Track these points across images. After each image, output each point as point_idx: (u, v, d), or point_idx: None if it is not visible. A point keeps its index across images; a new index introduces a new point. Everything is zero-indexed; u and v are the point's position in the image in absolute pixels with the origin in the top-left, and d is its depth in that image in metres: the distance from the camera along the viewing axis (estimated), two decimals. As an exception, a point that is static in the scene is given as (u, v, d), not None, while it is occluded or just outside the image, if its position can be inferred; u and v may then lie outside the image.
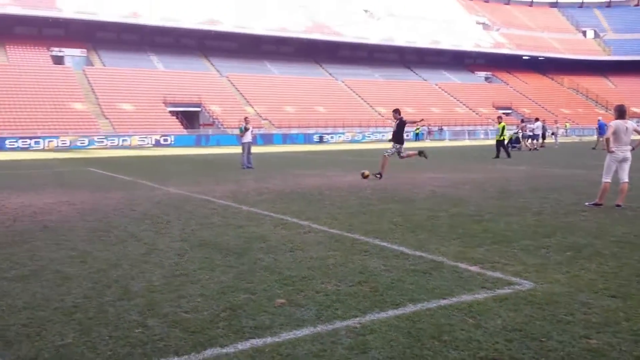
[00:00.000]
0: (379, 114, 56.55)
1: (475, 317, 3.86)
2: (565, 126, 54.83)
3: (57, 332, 3.66)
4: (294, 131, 49.69)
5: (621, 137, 8.57)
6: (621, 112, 8.74)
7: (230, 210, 8.95)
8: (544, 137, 31.89)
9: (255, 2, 63.94)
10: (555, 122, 40.36)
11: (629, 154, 8.64)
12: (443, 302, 4.19)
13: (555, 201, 9.54)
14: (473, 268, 5.14)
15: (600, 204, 8.68)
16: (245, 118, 18.90)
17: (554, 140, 35.10)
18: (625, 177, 8.67)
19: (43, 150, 37.46)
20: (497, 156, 22.36)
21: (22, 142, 38.40)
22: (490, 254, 5.70)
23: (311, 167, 19.10)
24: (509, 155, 22.57)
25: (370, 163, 17.88)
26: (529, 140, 31.04)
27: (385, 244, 6.20)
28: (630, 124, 8.71)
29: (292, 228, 7.26)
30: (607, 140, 8.69)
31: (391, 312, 3.98)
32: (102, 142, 41.00)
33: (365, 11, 70.74)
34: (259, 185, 12.75)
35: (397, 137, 13.97)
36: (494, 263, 5.32)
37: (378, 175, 13.62)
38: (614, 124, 8.68)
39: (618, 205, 8.56)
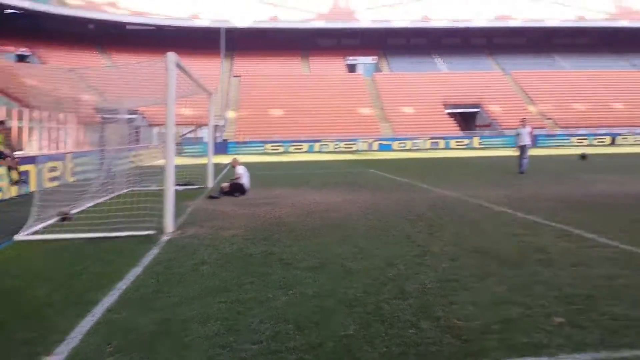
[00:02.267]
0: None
1: None
2: None
3: (340, 323, 4.06)
4: (582, 131, 45.25)
5: None
6: None
7: (505, 216, 8.65)
8: None
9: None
10: None
11: None
12: None
13: None
14: None
15: None
16: (523, 119, 17.92)
17: None
18: None
19: (331, 152, 41.56)
20: None
21: (315, 144, 43.19)
22: None
23: (600, 171, 17.15)
24: None
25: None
26: None
27: (694, 267, 5.25)
28: None
29: (575, 241, 6.66)
30: None
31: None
32: (382, 144, 43.55)
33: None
34: (538, 191, 12.00)
35: None
36: None
37: None
38: None
39: None
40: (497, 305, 4.34)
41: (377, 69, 58.57)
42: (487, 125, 48.21)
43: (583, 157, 13.31)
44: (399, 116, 48.38)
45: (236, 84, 53.10)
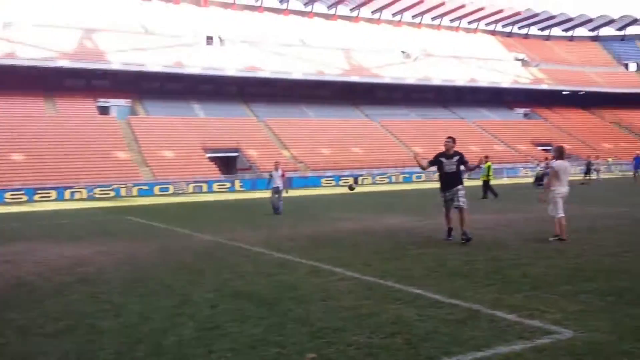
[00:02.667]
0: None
1: (512, 372, 3.71)
2: (608, 161, 53.38)
3: (88, 391, 3.67)
4: (329, 173, 49.88)
5: (562, 177, 9.66)
6: (561, 153, 10.08)
7: (262, 257, 8.95)
8: (588, 173, 32.93)
9: (295, 48, 65.93)
10: (597, 157, 39.87)
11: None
12: (479, 354, 4.05)
13: (594, 243, 9.25)
14: (510, 316, 4.97)
15: (565, 239, 9.40)
16: (276, 163, 18.98)
17: (595, 177, 34.93)
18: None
19: (85, 199, 38.51)
20: (485, 197, 21.97)
21: (65, 191, 39.54)
22: (528, 300, 5.52)
23: (346, 210, 19.02)
24: (495, 195, 22.11)
25: (402, 205, 17.59)
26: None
27: (419, 291, 6.07)
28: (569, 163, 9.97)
29: (324, 275, 7.19)
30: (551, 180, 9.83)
31: (424, 367, 3.87)
32: (143, 189, 41.90)
33: (403, 52, 71.66)
34: (292, 231, 12.74)
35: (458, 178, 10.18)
36: (532, 310, 5.14)
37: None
38: (556, 164, 9.77)
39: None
40: (255, 348, 4.39)
41: (133, 112, 56.39)
42: (248, 169, 50.01)
43: (351, 188, 15.02)
44: (159, 160, 47.19)
45: (-36, 126, 45.98)
